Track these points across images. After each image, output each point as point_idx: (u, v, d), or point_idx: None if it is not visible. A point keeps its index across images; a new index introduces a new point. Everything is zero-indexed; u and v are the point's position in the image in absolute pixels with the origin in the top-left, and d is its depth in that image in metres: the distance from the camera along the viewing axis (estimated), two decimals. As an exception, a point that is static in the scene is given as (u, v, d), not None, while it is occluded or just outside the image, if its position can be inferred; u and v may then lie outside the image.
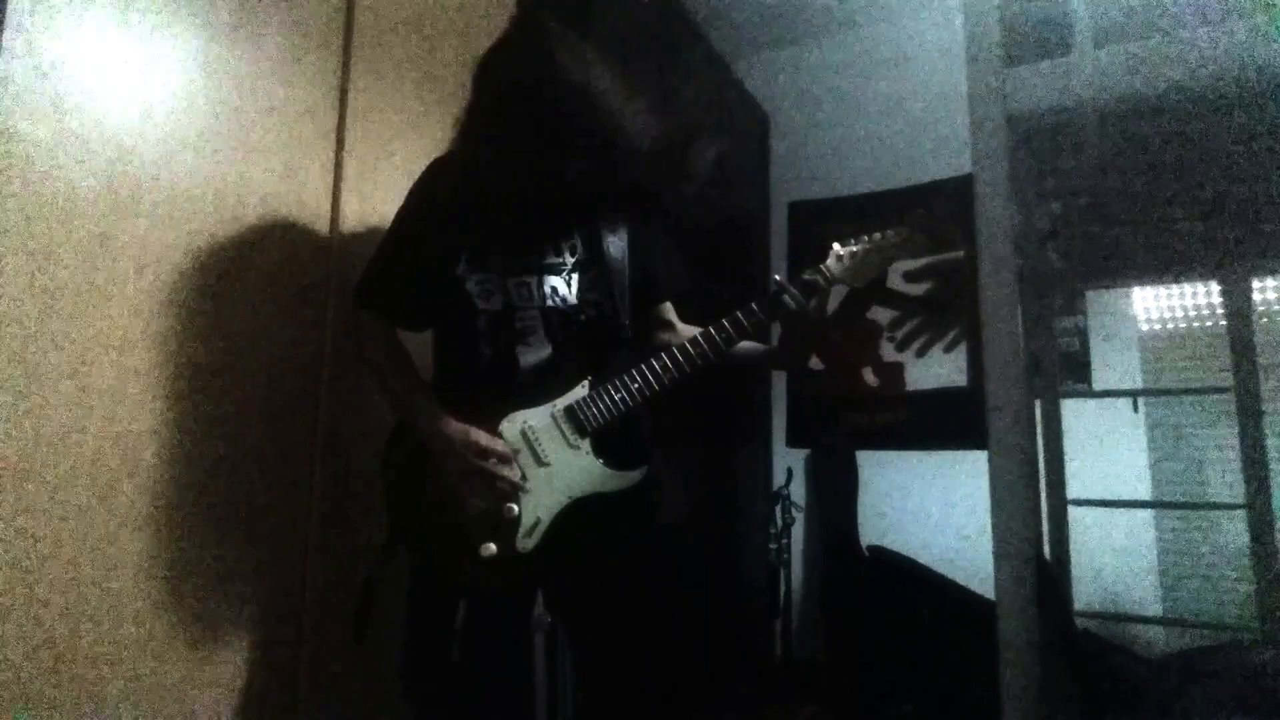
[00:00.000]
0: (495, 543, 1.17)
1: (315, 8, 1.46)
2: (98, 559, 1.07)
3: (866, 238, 1.33)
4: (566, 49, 1.16)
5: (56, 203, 1.04)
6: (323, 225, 1.47)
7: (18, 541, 0.98)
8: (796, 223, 3.29)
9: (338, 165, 1.49)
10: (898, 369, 2.98)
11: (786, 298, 1.27)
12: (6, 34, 0.99)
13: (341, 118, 1.50)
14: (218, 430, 1.25)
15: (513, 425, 1.22)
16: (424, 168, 1.35)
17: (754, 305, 1.27)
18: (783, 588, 2.84)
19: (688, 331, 1.41)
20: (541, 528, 1.20)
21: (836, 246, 1.33)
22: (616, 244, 1.34)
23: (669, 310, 1.46)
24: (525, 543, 1.19)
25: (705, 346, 1.25)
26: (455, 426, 1.19)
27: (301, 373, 1.40)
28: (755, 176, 3.27)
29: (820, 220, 3.22)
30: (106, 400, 1.10)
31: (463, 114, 1.25)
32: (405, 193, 1.35)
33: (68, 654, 1.03)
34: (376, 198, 1.56)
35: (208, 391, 1.24)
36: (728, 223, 2.94)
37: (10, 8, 0.99)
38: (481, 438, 1.19)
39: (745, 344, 1.31)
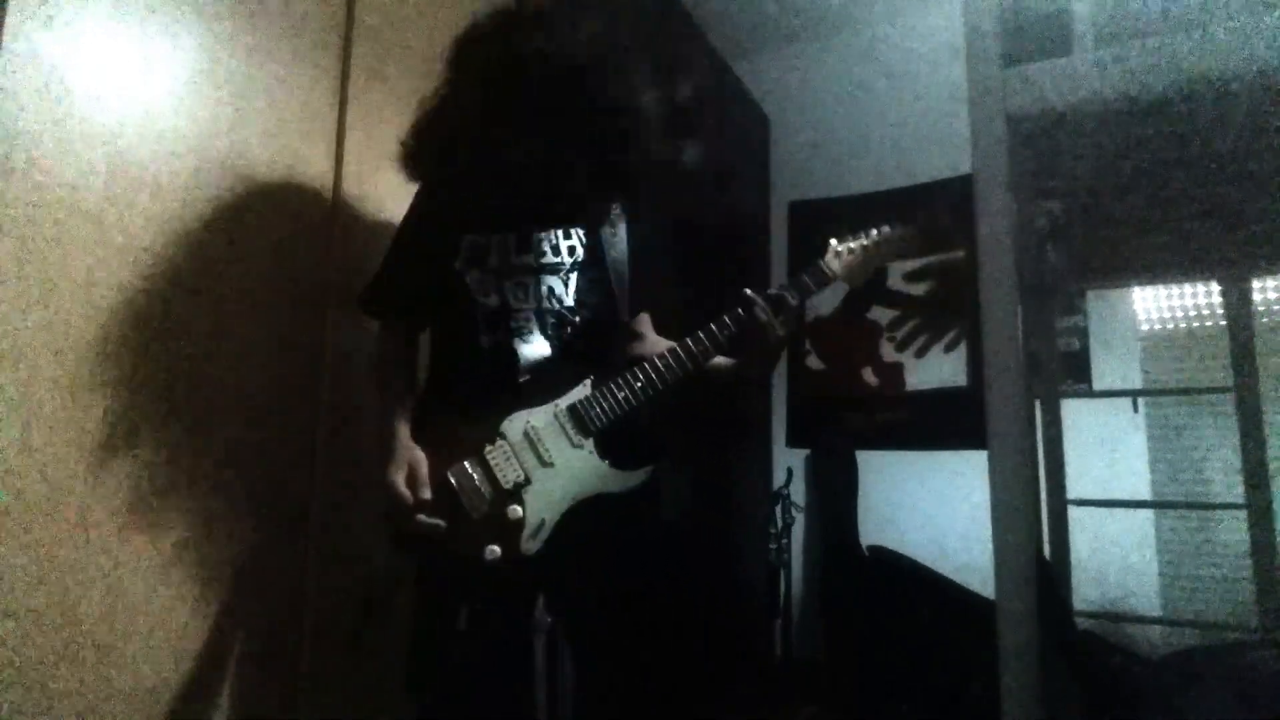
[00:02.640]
0: (500, 545, 1.17)
1: (315, 7, 1.46)
2: (96, 559, 1.07)
3: (864, 235, 1.34)
4: (563, 25, 1.17)
5: (56, 203, 1.04)
6: (323, 226, 1.47)
7: (15, 543, 0.98)
8: (796, 223, 3.29)
9: (338, 166, 1.49)
10: (898, 369, 2.98)
11: (757, 310, 1.24)
12: (6, 34, 0.99)
13: (341, 117, 1.50)
14: (218, 429, 1.25)
15: (515, 425, 1.21)
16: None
17: (726, 318, 1.25)
18: (783, 588, 2.84)
19: (660, 343, 1.40)
20: (546, 529, 1.19)
21: (834, 243, 1.34)
22: (617, 245, 1.33)
23: (645, 322, 1.44)
24: (530, 545, 1.18)
25: (708, 345, 1.25)
26: (396, 474, 1.16)
27: (302, 371, 1.40)
28: (755, 176, 3.27)
29: (820, 220, 3.21)
30: (106, 399, 1.10)
31: (443, 89, 1.27)
32: (404, 193, 1.35)
33: (67, 653, 1.03)
34: (376, 198, 1.56)
35: (208, 390, 1.24)
36: (728, 222, 2.93)
37: (10, 8, 0.99)
38: (407, 495, 1.14)
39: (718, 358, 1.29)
